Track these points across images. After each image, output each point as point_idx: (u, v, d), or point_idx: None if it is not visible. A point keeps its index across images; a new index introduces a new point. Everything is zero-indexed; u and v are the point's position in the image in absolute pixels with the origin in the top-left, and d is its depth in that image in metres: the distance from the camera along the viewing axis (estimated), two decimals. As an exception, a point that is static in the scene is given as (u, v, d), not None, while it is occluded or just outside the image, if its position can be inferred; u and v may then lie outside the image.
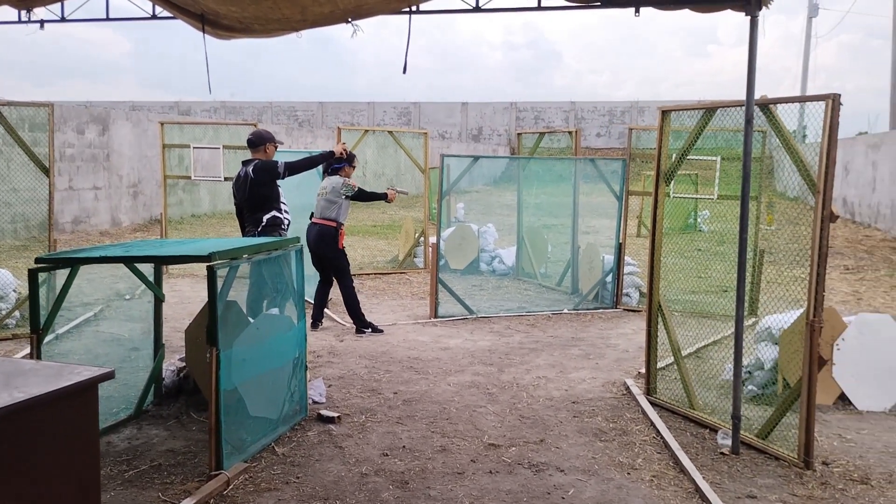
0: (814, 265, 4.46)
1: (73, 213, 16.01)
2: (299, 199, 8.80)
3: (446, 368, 6.66)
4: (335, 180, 7.86)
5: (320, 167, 7.95)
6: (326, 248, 7.80)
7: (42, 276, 7.06)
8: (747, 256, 4.93)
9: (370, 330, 7.91)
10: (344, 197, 7.82)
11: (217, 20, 5.81)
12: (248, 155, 6.98)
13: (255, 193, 6.70)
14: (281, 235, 6.74)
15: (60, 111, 15.61)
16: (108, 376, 3.04)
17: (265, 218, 6.71)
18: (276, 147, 6.99)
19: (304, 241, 6.34)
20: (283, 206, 6.85)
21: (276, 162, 6.79)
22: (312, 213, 7.96)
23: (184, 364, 5.66)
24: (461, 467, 4.53)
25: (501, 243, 13.05)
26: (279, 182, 6.84)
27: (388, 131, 13.18)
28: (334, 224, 7.79)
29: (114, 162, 17.28)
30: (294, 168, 6.84)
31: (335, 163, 7.82)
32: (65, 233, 15.44)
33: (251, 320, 5.00)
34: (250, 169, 6.69)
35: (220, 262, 4.25)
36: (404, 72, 5.86)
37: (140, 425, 5.13)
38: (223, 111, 49.93)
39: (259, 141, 6.86)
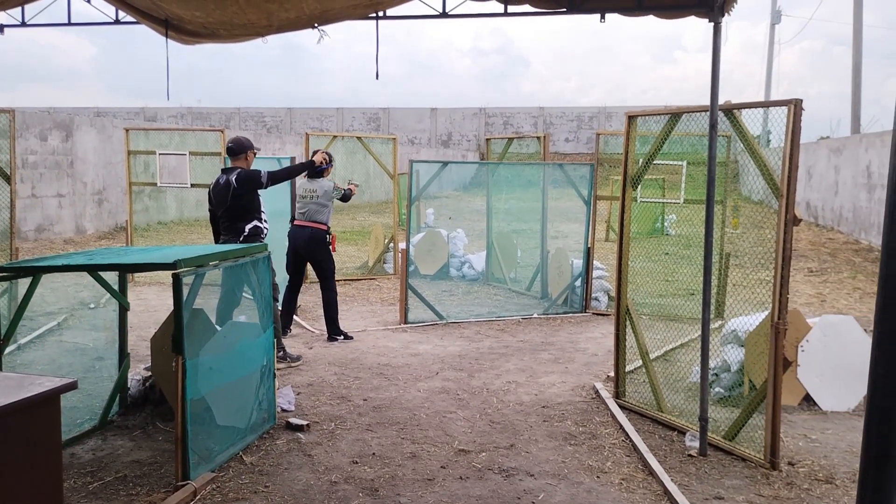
0: (778, 268, 4.52)
1: (36, 220, 15.73)
2: (269, 206, 8.71)
3: (416, 374, 6.64)
4: (325, 184, 7.83)
5: None
6: (318, 251, 7.79)
7: (3, 285, 6.94)
8: (713, 260, 4.99)
9: (342, 337, 7.88)
10: (333, 200, 7.86)
11: (181, 25, 5.76)
12: (216, 161, 6.92)
13: (237, 203, 6.60)
14: None
15: (22, 117, 15.33)
16: (71, 387, 2.99)
17: (247, 228, 6.62)
18: (255, 154, 6.96)
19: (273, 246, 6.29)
20: (263, 216, 6.81)
21: (259, 171, 6.70)
22: (293, 218, 7.89)
23: (149, 373, 5.58)
24: (431, 474, 4.52)
25: (471, 248, 13.07)
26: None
27: (357, 137, 13.12)
28: (325, 227, 7.83)
29: (78, 169, 17.01)
30: (276, 178, 6.78)
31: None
32: (28, 241, 15.16)
33: (218, 328, 4.94)
34: (233, 178, 6.58)
35: (185, 269, 4.20)
36: (377, 77, 5.86)
37: (105, 436, 5.04)
38: (190, 117, 49.45)
39: (240, 149, 6.78)
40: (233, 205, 6.58)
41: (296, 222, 7.85)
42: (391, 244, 12.52)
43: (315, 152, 7.87)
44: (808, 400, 5.86)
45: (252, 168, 6.77)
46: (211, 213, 6.91)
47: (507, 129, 47.14)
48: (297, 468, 4.58)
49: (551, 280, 10.04)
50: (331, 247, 7.86)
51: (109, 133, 18.15)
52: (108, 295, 5.44)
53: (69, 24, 6.14)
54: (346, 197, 8.14)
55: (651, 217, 16.97)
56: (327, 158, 7.74)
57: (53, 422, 2.94)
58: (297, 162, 8.30)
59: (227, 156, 6.85)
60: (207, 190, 6.94)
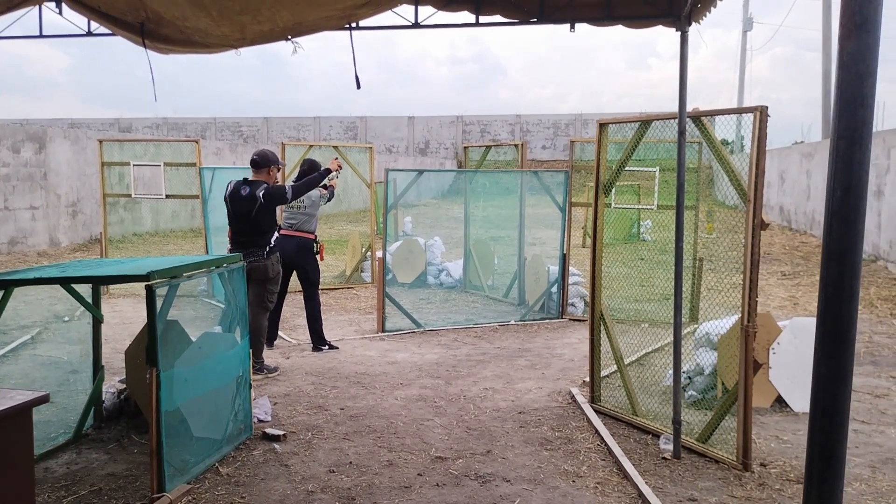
0: (746, 272, 4.59)
1: (9, 233, 15.57)
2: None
3: (394, 382, 6.65)
4: (313, 193, 7.83)
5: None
6: (306, 260, 7.81)
7: (-25, 300, 6.87)
8: (688, 264, 5.06)
9: (327, 348, 7.85)
10: (320, 208, 7.94)
11: (157, 30, 5.72)
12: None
13: (262, 218, 6.71)
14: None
15: (-6, 129, 15.20)
16: (43, 400, 2.99)
17: (272, 241, 6.84)
18: (279, 170, 7.01)
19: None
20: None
21: (284, 188, 6.80)
22: (279, 227, 7.88)
23: (124, 386, 5.56)
24: (408, 481, 4.53)
25: (449, 256, 13.11)
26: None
27: (334, 146, 13.12)
28: (313, 236, 7.87)
29: (51, 181, 16.86)
30: (297, 192, 6.91)
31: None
32: (0, 254, 15.00)
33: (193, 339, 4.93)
34: (259, 193, 6.63)
35: (158, 281, 4.19)
36: (357, 87, 5.87)
37: (79, 449, 5.01)
38: (165, 127, 49.15)
39: (264, 162, 6.81)
40: (257, 219, 6.69)
41: (283, 232, 7.82)
42: (368, 253, 12.52)
43: (305, 159, 7.90)
44: (779, 401, 5.94)
45: (276, 185, 6.84)
46: (232, 217, 6.92)
47: (485, 136, 47.30)
48: (273, 478, 4.57)
49: (528, 287, 10.10)
50: (319, 256, 7.88)
51: (83, 144, 18.00)
52: (82, 308, 5.42)
53: (41, 36, 6.11)
54: (332, 194, 8.16)
55: (627, 223, 17.11)
56: (340, 168, 7.71)
57: (25, 435, 2.93)
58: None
59: (251, 168, 6.86)
60: (224, 194, 6.95)
